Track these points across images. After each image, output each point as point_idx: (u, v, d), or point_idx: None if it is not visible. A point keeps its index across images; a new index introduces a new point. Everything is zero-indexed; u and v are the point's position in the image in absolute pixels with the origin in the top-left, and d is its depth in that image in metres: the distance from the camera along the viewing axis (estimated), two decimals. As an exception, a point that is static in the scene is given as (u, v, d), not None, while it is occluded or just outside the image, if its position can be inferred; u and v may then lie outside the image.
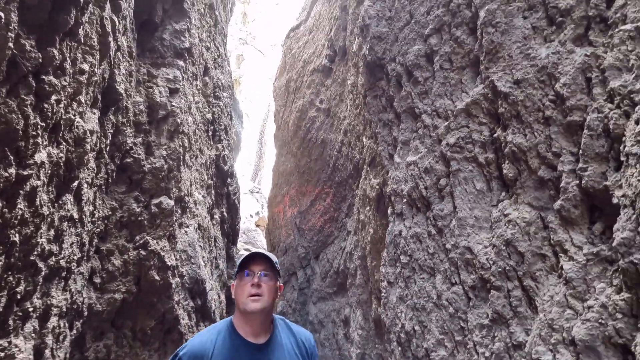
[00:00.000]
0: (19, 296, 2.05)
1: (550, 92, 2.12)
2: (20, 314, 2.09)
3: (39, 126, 1.98)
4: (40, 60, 1.94)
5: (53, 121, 2.11)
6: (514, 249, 2.18)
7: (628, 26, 1.73)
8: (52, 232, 2.26)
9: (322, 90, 6.94)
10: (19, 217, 1.93)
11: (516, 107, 2.29)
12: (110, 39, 2.64)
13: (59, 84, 2.09)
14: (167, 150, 3.66)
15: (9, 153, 1.81)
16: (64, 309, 2.51)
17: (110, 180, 3.18)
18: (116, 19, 2.77)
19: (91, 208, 2.81)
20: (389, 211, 3.60)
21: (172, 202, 3.61)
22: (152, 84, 3.69)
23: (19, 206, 1.92)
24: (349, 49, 5.37)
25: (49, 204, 2.19)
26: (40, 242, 2.14)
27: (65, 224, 2.41)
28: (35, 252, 2.12)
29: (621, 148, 1.68)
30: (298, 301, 7.25)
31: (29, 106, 1.90)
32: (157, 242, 3.44)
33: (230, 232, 6.02)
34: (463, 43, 2.89)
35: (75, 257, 2.59)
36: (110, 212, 3.17)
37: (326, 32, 6.92)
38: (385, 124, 3.80)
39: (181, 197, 3.94)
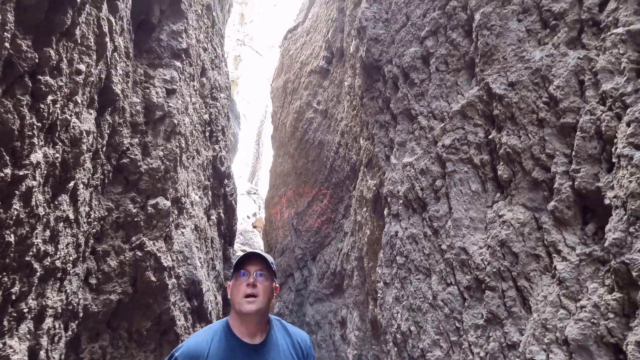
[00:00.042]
0: (13, 297, 2.05)
1: (544, 94, 2.14)
2: (15, 314, 2.08)
3: (34, 126, 1.97)
4: (37, 60, 1.94)
5: (49, 121, 2.11)
6: (509, 250, 2.20)
7: (620, 30, 1.76)
8: (47, 233, 2.25)
9: (319, 91, 6.96)
10: (14, 217, 1.92)
11: (511, 109, 2.31)
12: (107, 39, 2.64)
13: (55, 84, 2.09)
14: (163, 151, 3.65)
15: (4, 153, 1.80)
16: (59, 310, 2.50)
17: (106, 181, 3.17)
18: (113, 20, 2.77)
19: (87, 209, 2.80)
20: (386, 212, 3.61)
21: (168, 203, 3.60)
22: (149, 85, 3.69)
23: (14, 206, 1.91)
24: (346, 50, 5.39)
25: (45, 205, 2.19)
26: (36, 243, 2.14)
27: (61, 224, 2.41)
28: (31, 253, 2.11)
29: (613, 150, 1.70)
30: (295, 302, 7.25)
31: (25, 106, 1.89)
32: (154, 243, 3.43)
33: (227, 233, 6.01)
34: (459, 45, 2.91)
35: (70, 258, 2.58)
36: (106, 213, 3.17)
37: (323, 33, 6.94)
38: (382, 126, 3.82)
39: (178, 198, 3.93)
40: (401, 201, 3.32)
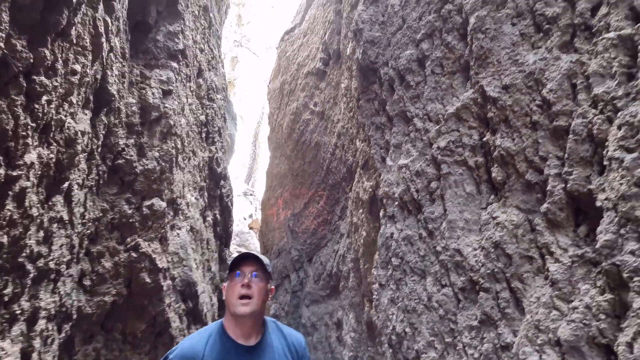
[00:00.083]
0: (6, 298, 2.03)
1: (538, 97, 2.17)
2: (8, 316, 2.07)
3: (29, 127, 1.97)
4: (32, 60, 1.93)
5: (44, 122, 2.10)
6: (502, 251, 2.22)
7: (611, 34, 1.78)
8: (41, 234, 2.24)
9: (316, 93, 6.98)
10: (7, 218, 1.91)
11: (504, 111, 2.33)
12: (103, 39, 2.64)
13: (50, 85, 2.09)
14: (159, 152, 3.65)
15: (-2, 153, 1.80)
16: (53, 312, 2.48)
17: (101, 182, 3.16)
18: (109, 20, 2.76)
19: (82, 209, 2.79)
20: (381, 214, 3.62)
21: (164, 204, 3.59)
22: (145, 85, 3.68)
23: (7, 207, 1.90)
24: (343, 52, 5.41)
25: (39, 205, 2.18)
26: (29, 244, 2.13)
27: (55, 225, 2.39)
28: (24, 254, 2.10)
29: (604, 153, 1.72)
30: (291, 304, 7.24)
31: (19, 106, 1.89)
32: (149, 244, 3.42)
33: (223, 235, 6.00)
34: (454, 48, 2.93)
35: (64, 259, 2.57)
36: (101, 214, 3.15)
37: (320, 35, 6.96)
38: (378, 127, 3.84)
39: (173, 199, 3.92)
40: (397, 203, 3.33)
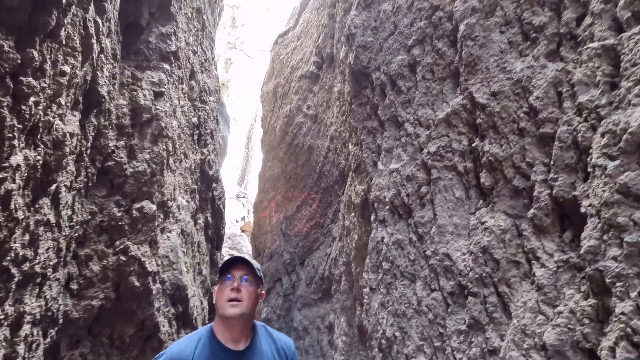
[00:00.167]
0: (-11, 303, 1.99)
1: (525, 104, 2.21)
2: (-9, 321, 2.03)
3: (15, 128, 1.94)
4: (19, 61, 1.91)
5: (31, 123, 2.07)
6: (490, 256, 2.24)
7: (595, 44, 1.82)
8: (27, 237, 2.20)
9: (309, 96, 6.99)
10: (-9, 221, 1.88)
11: (493, 118, 2.37)
12: (94, 40, 2.62)
13: (38, 86, 2.06)
14: (150, 154, 3.62)
15: (-18, 155, 1.77)
16: (38, 317, 2.44)
17: (90, 184, 3.12)
18: (100, 21, 2.74)
19: (69, 212, 2.75)
20: (372, 218, 3.64)
21: (154, 207, 3.56)
22: (137, 87, 3.66)
23: (-8, 210, 1.87)
24: (336, 56, 5.44)
25: (25, 208, 2.14)
26: (14, 247, 2.09)
27: (42, 228, 2.36)
28: (9, 258, 2.06)
29: (588, 160, 1.76)
30: (283, 307, 7.21)
31: (5, 108, 1.86)
32: (138, 248, 3.38)
33: (215, 238, 5.96)
34: (444, 55, 2.97)
35: (51, 263, 2.53)
36: (89, 217, 3.11)
37: (314, 39, 6.99)
38: (370, 132, 3.86)
39: (164, 202, 3.89)
40: (387, 207, 3.35)
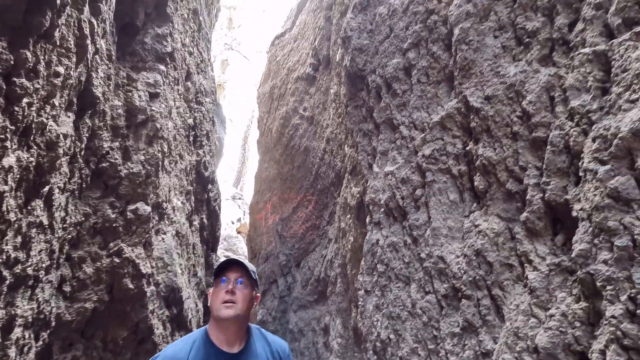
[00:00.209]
0: (-20, 305, 1.97)
1: (518, 108, 2.23)
2: (-19, 324, 2.01)
3: (8, 129, 1.93)
4: (12, 62, 1.90)
5: (24, 124, 2.06)
6: (484, 259, 2.26)
7: (587, 50, 1.85)
8: (19, 239, 2.19)
9: (305, 98, 7.00)
10: (-17, 223, 1.86)
11: (487, 121, 2.38)
12: (88, 41, 2.61)
13: (32, 87, 2.05)
14: (145, 156, 3.60)
15: (-26, 157, 1.75)
16: (30, 319, 2.42)
17: (84, 186, 3.10)
18: (95, 22, 2.73)
19: (63, 214, 2.73)
20: (368, 220, 3.65)
21: (149, 209, 3.55)
22: (132, 88, 3.64)
23: (-17, 212, 1.85)
24: (333, 58, 5.46)
25: (17, 210, 2.13)
26: (6, 250, 2.07)
27: (34, 230, 2.34)
28: (0, 260, 2.05)
29: (580, 164, 1.78)
30: (278, 309, 7.19)
31: (-3, 109, 1.85)
32: (132, 250, 3.36)
33: (210, 239, 5.94)
34: (439, 58, 2.99)
35: (43, 265, 2.51)
36: (83, 218, 3.09)
37: (311, 41, 7.01)
38: (365, 134, 3.87)
39: (159, 203, 3.87)
40: (382, 209, 3.36)
